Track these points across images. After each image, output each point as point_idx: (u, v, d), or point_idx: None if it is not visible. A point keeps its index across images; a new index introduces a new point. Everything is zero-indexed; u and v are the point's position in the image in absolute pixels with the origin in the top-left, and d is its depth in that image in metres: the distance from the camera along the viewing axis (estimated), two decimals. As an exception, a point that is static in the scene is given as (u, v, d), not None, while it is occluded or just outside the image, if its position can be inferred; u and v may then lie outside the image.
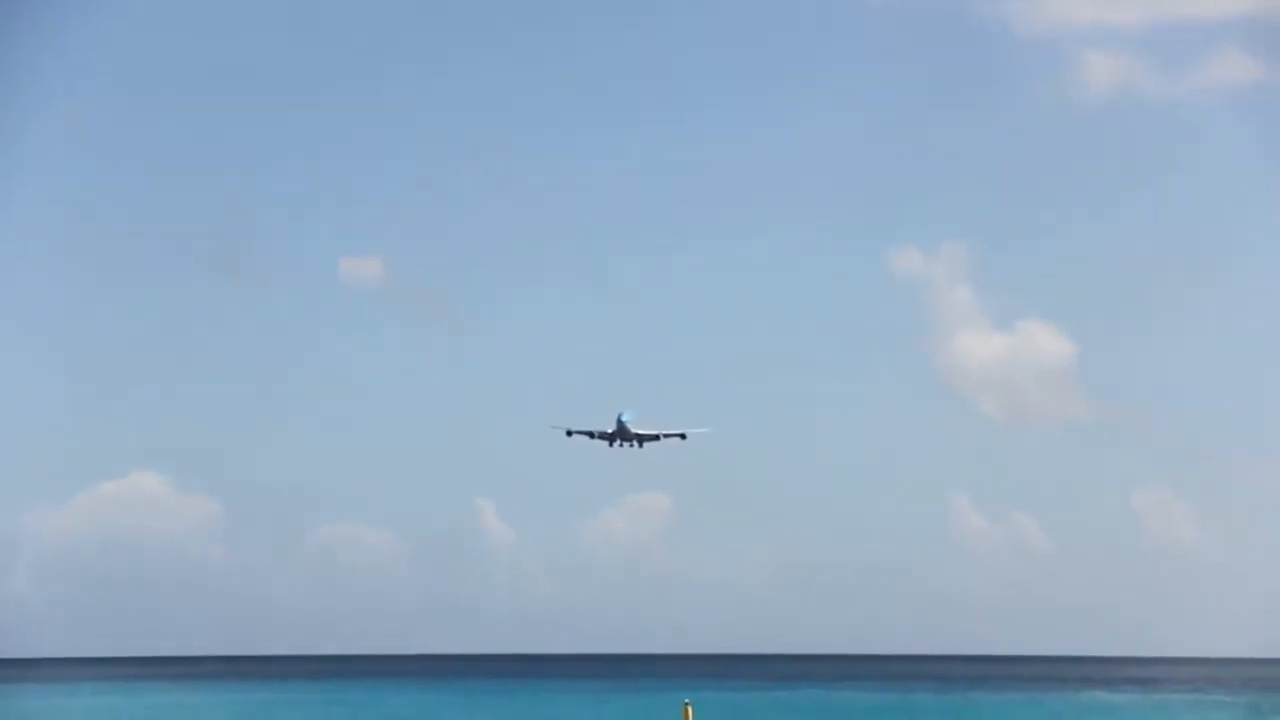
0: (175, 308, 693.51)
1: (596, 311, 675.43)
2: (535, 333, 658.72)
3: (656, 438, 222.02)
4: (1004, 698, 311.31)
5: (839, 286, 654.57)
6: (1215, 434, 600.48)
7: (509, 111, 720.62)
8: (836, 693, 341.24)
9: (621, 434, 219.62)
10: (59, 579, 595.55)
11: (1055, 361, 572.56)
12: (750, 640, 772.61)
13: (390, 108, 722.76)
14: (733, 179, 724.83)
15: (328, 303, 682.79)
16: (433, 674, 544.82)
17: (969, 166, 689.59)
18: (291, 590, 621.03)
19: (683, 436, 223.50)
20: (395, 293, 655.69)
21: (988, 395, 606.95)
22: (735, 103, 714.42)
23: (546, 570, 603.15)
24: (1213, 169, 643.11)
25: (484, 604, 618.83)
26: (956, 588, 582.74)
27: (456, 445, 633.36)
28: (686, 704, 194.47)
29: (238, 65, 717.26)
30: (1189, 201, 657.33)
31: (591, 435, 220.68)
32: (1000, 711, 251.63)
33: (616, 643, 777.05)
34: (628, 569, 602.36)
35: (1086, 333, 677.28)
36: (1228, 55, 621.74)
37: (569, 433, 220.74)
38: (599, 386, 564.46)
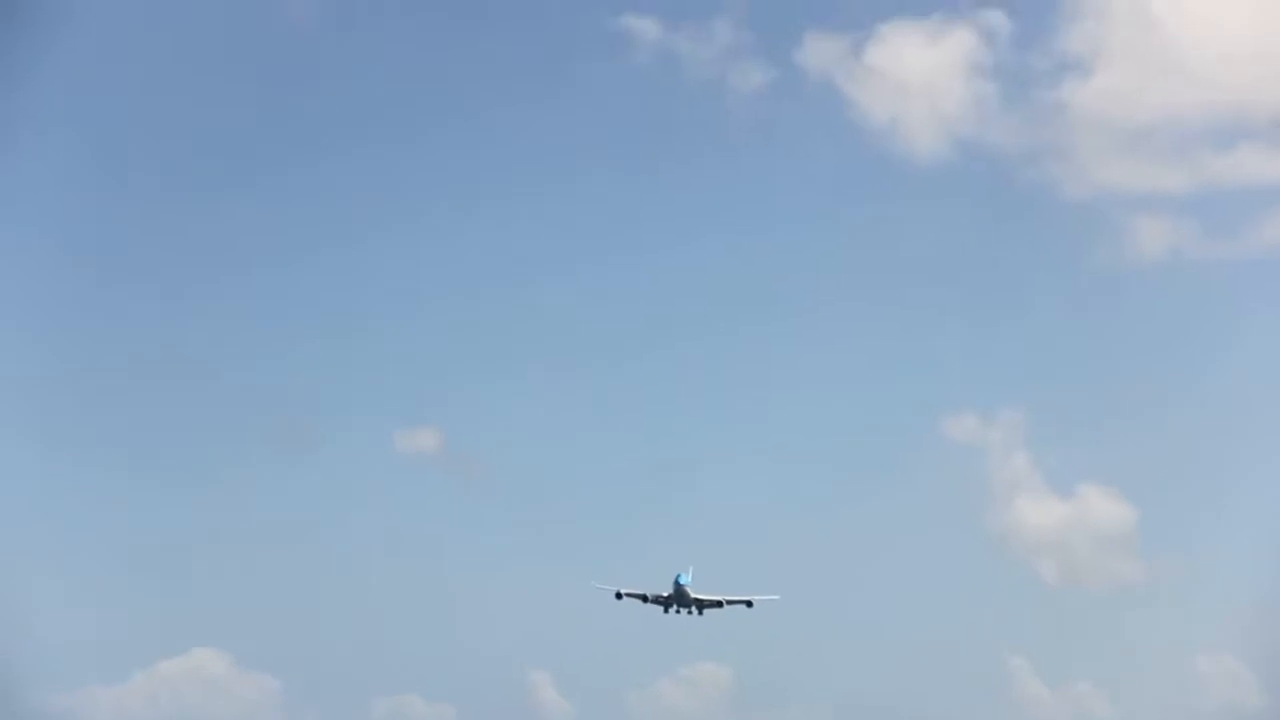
0: (233, 484, 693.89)
1: (655, 479, 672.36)
2: (592, 501, 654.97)
3: (719, 604, 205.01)
4: None
5: (898, 452, 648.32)
6: (1275, 592, 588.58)
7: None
8: None
9: (679, 599, 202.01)
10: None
11: (1114, 525, 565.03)
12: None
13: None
14: (786, 352, 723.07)
15: (383, 473, 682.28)
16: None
17: (1024, 332, 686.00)
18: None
19: (749, 604, 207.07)
20: (449, 462, 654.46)
21: (1046, 559, 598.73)
22: (792, 280, 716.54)
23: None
24: (1266, 332, 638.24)
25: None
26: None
27: (512, 614, 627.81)
28: None
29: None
30: (1243, 365, 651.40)
31: (645, 599, 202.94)
32: None
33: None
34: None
35: (1145, 497, 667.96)
36: (1277, 217, 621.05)
37: (619, 595, 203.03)
38: (649, 550, 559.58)
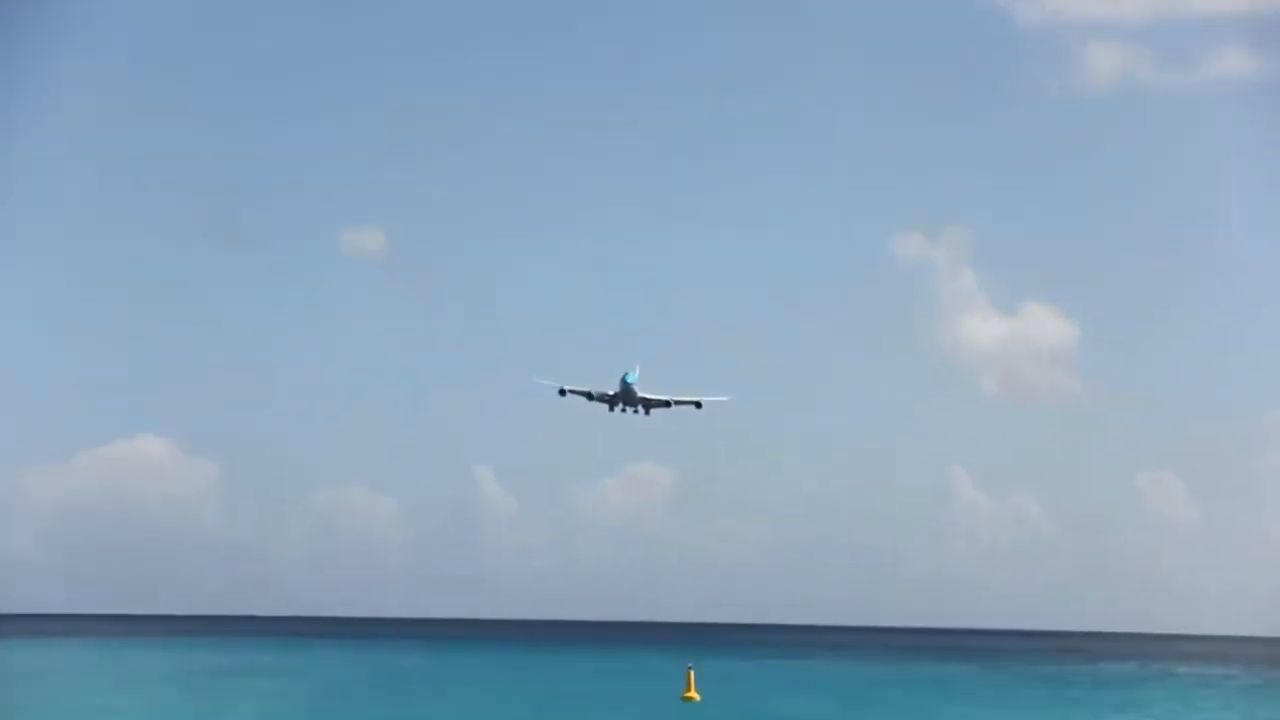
0: (180, 275, 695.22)
1: (598, 277, 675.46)
2: (536, 296, 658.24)
3: (667, 404, 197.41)
4: (1004, 671, 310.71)
5: (844, 268, 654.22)
6: (1215, 415, 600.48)
7: (505, 81, 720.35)
8: (836, 664, 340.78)
9: (626, 397, 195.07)
10: (60, 536, 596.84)
11: (1056, 342, 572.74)
12: (752, 611, 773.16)
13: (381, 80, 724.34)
14: (735, 159, 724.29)
15: (328, 271, 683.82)
16: (431, 636, 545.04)
17: (973, 153, 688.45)
18: (289, 554, 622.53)
19: (698, 405, 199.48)
20: (395, 261, 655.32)
21: (989, 375, 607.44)
22: (737, 85, 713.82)
23: (546, 538, 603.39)
24: (1212, 160, 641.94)
25: (483, 570, 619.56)
26: (957, 563, 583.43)
27: (455, 411, 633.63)
28: (689, 668, 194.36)
29: (234, 45, 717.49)
30: (1189, 189, 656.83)
31: (590, 396, 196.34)
32: (1000, 684, 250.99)
33: (619, 611, 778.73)
34: (628, 538, 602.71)
35: (1088, 315, 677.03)
36: (1229, 51, 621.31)
37: (562, 391, 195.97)
38: (598, 351, 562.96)
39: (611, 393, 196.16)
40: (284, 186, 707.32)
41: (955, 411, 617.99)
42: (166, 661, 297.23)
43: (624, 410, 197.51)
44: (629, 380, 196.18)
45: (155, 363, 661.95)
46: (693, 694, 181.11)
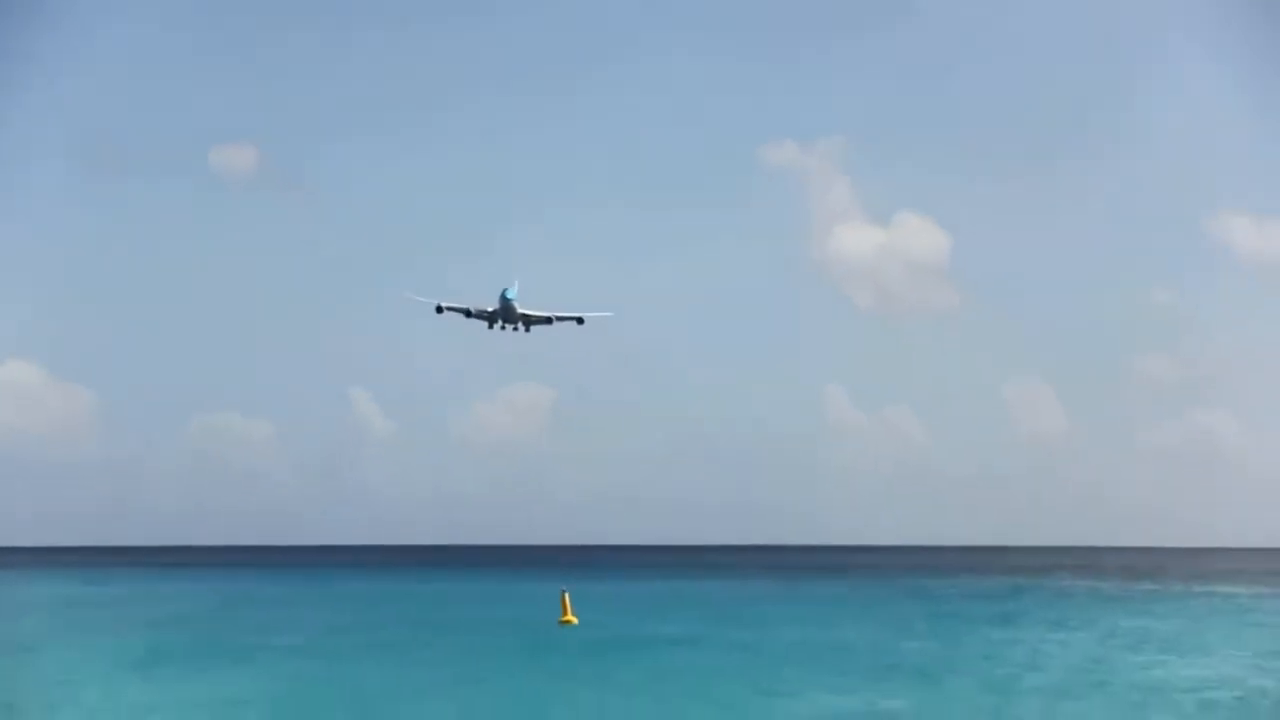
0: (47, 201, 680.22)
1: (470, 189, 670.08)
2: (408, 211, 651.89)
3: (548, 320, 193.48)
4: (883, 586, 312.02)
5: (719, 180, 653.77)
6: (1082, 323, 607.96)
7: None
8: (713, 583, 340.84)
9: (505, 314, 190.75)
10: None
11: (929, 254, 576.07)
12: (626, 532, 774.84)
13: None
14: (608, 61, 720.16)
15: (197, 190, 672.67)
16: (309, 564, 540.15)
17: (844, 60, 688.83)
18: (167, 481, 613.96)
19: (580, 320, 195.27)
20: (264, 180, 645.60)
21: (862, 287, 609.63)
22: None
23: (423, 461, 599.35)
24: (1089, 65, 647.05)
25: (360, 496, 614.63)
26: (833, 478, 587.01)
27: (330, 333, 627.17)
28: (564, 592, 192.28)
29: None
30: (1058, 99, 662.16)
31: (468, 313, 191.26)
32: (876, 599, 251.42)
33: (497, 535, 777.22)
34: (506, 459, 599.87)
35: (959, 226, 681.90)
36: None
37: (439, 309, 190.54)
38: (472, 266, 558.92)
39: (490, 309, 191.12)
40: (152, 106, 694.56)
41: (829, 325, 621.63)
42: (18, 593, 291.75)
43: (503, 328, 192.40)
44: (509, 296, 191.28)
45: (28, 289, 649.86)
46: (570, 617, 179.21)
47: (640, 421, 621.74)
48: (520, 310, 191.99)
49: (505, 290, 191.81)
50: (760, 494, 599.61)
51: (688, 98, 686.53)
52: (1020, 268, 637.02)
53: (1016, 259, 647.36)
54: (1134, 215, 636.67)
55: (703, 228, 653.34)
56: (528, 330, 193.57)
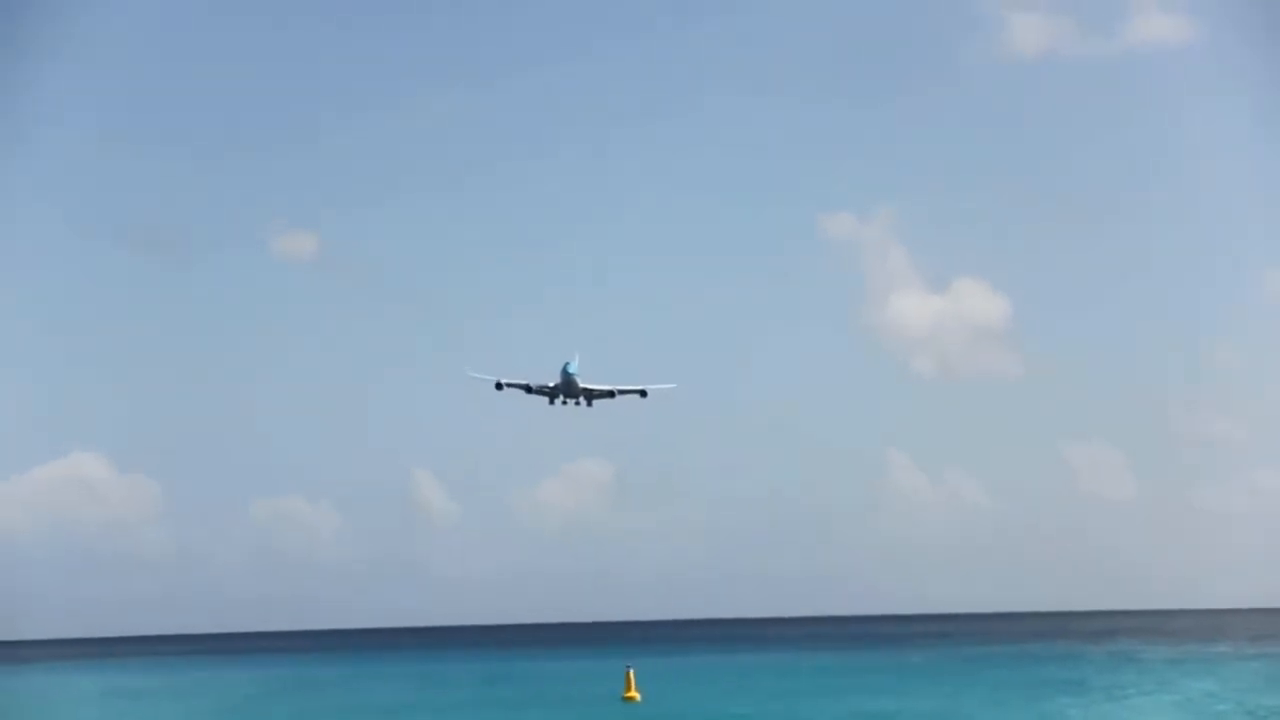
0: (108, 291, 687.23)
1: (531, 275, 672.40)
2: (473, 303, 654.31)
3: (611, 394, 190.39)
4: (952, 654, 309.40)
5: (776, 251, 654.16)
6: (1148, 386, 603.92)
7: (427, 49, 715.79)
8: (780, 656, 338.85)
9: (567, 389, 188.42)
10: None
11: (987, 319, 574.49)
12: (691, 606, 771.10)
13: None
14: (667, 145, 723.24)
15: (260, 279, 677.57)
16: (374, 646, 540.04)
17: (898, 129, 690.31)
18: (232, 568, 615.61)
19: (643, 394, 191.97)
20: (327, 266, 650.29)
21: (922, 354, 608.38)
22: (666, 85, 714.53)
23: (487, 540, 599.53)
24: (1139, 127, 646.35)
25: (426, 576, 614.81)
26: (897, 545, 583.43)
27: (393, 415, 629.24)
28: (628, 669, 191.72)
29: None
30: (1112, 159, 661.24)
31: (529, 389, 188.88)
32: (949, 670, 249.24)
33: (561, 613, 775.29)
34: (568, 536, 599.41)
35: (1018, 290, 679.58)
36: (1150, 16, 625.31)
37: (499, 385, 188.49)
38: (532, 347, 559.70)
39: (551, 384, 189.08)
40: (208, 191, 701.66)
41: (890, 392, 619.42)
42: (91, 684, 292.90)
43: (564, 402, 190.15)
44: (570, 370, 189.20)
45: (87, 379, 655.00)
46: (633, 694, 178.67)
47: (703, 494, 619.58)
48: (582, 385, 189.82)
49: (566, 365, 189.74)
50: (819, 561, 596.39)
51: (745, 171, 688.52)
52: (1081, 329, 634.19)
53: (1076, 321, 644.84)
54: (1194, 273, 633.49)
55: (761, 298, 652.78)
56: (589, 404, 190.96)
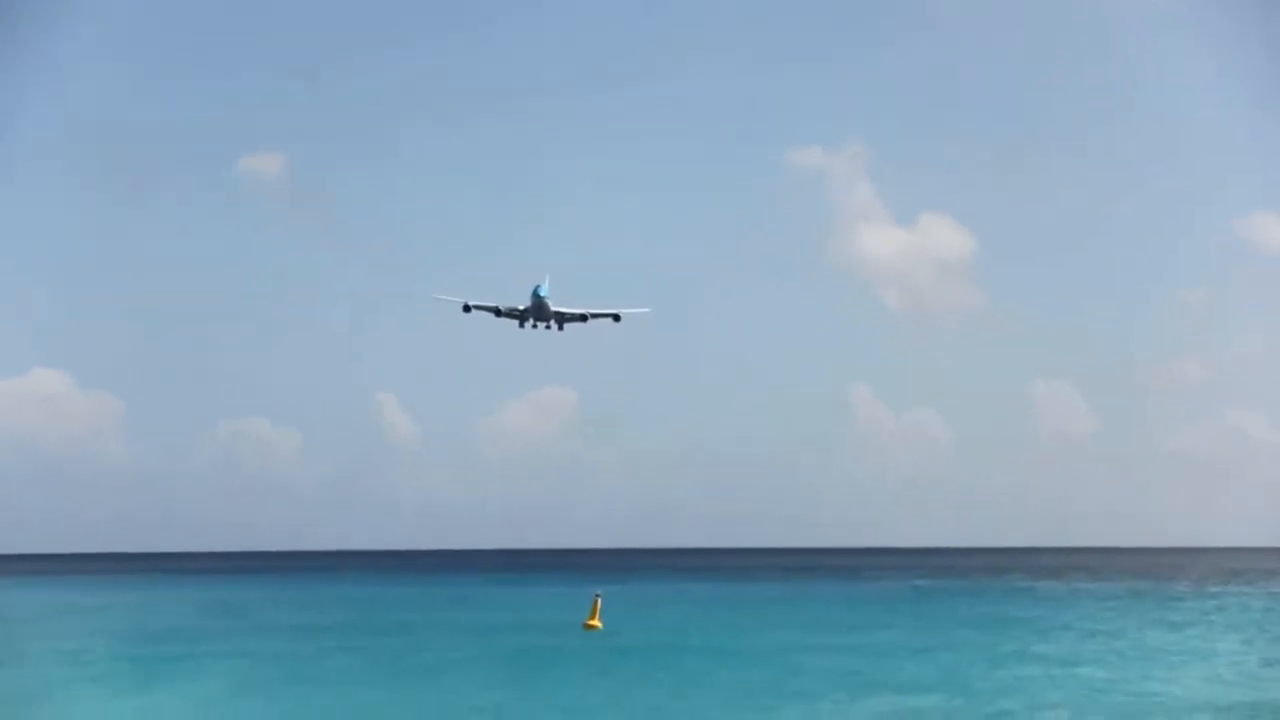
0: (72, 209, 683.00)
1: (496, 190, 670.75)
2: (441, 228, 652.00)
3: (583, 318, 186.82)
4: (905, 587, 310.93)
5: (744, 183, 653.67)
6: (1108, 326, 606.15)
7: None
8: (740, 585, 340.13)
9: (538, 312, 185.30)
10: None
11: (953, 254, 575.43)
12: (656, 535, 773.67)
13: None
14: (638, 64, 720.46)
15: (223, 201, 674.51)
16: (332, 569, 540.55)
17: (865, 66, 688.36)
18: (194, 487, 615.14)
19: (616, 317, 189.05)
20: (290, 189, 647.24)
21: (889, 288, 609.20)
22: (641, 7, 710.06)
23: (451, 465, 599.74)
24: (1111, 68, 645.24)
25: (389, 500, 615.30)
26: (860, 479, 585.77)
27: (358, 338, 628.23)
28: (597, 596, 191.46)
29: None
30: (1076, 99, 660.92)
31: (498, 312, 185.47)
32: (903, 601, 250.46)
33: (524, 538, 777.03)
34: (532, 463, 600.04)
35: (983, 226, 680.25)
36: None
37: (466, 308, 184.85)
38: (495, 269, 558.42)
39: (522, 307, 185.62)
40: (180, 113, 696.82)
41: (856, 326, 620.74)
42: (41, 599, 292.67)
43: (535, 325, 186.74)
44: (541, 293, 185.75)
45: (52, 298, 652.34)
46: (595, 622, 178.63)
47: (668, 422, 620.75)
48: (554, 308, 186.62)
49: (537, 287, 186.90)
50: (781, 493, 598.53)
51: (714, 103, 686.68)
52: (1047, 268, 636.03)
53: (1043, 259, 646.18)
54: (1163, 215, 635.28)
55: (730, 233, 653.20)
56: (560, 328, 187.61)
